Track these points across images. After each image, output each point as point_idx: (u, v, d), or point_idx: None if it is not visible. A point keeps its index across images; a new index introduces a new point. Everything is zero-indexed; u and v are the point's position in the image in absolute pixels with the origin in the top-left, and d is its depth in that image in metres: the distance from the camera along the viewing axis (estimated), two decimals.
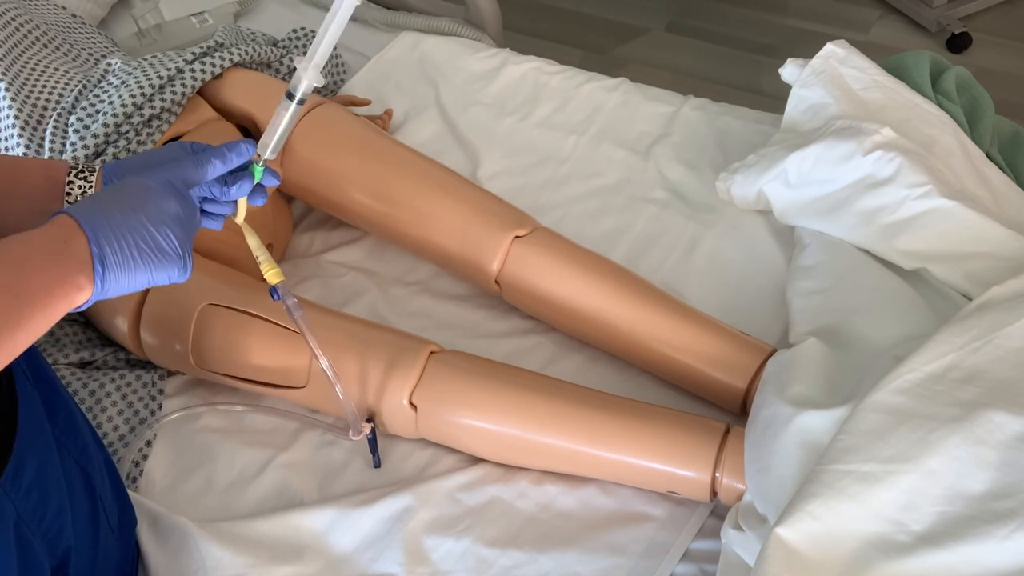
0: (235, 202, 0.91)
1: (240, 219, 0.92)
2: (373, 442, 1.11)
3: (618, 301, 1.18)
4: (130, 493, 1.04)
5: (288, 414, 1.17)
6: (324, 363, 1.02)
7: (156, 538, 1.03)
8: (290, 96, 0.88)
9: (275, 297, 0.99)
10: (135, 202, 0.77)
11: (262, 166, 0.88)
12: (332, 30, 0.86)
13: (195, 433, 1.17)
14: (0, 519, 0.78)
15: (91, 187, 0.91)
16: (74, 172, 0.92)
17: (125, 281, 0.76)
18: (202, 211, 0.91)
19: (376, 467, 1.13)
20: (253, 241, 0.96)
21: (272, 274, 0.97)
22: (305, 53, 1.54)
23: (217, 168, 0.85)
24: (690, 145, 1.49)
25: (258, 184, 0.90)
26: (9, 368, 0.82)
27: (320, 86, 0.89)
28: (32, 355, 0.89)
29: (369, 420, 1.10)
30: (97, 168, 0.93)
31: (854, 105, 1.29)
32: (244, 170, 0.89)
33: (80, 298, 0.74)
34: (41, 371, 0.89)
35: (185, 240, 0.79)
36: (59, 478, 0.86)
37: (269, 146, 0.89)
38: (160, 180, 0.81)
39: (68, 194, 0.91)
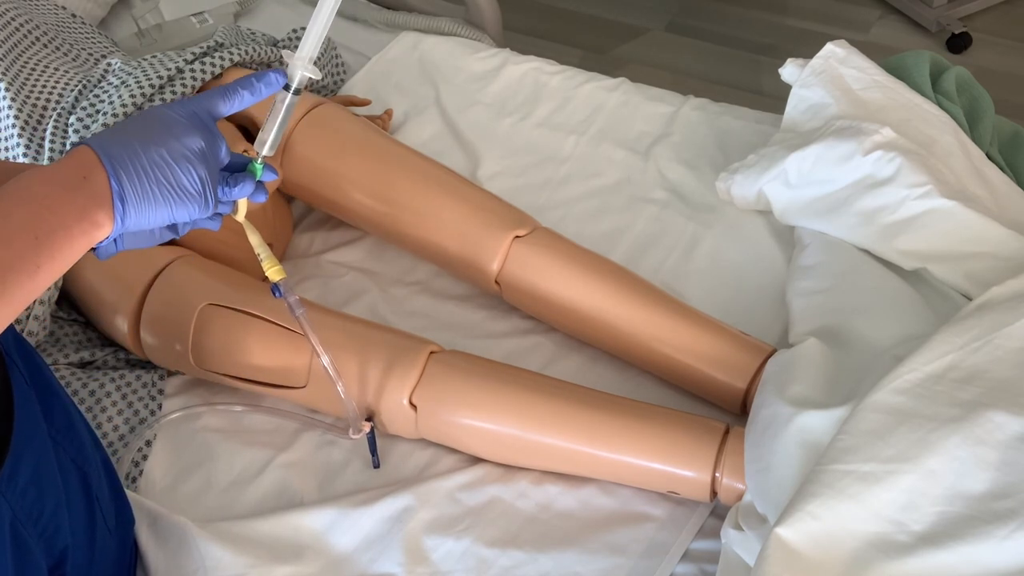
0: (235, 201, 0.90)
1: (241, 217, 0.92)
2: (372, 442, 1.11)
3: (618, 301, 1.18)
4: (130, 493, 1.04)
5: (288, 414, 1.17)
6: (325, 360, 1.02)
7: (156, 538, 1.03)
8: (285, 87, 0.87)
9: (277, 294, 0.99)
10: (158, 136, 0.76)
11: (261, 163, 0.88)
12: (321, 18, 0.85)
13: (195, 433, 1.17)
14: None
15: None
16: None
17: (146, 217, 0.75)
18: None
19: (375, 467, 1.13)
20: (255, 238, 0.96)
21: (274, 271, 0.97)
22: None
23: (245, 100, 0.83)
24: (690, 145, 1.49)
25: (258, 181, 0.90)
26: (4, 367, 0.82)
27: (316, 79, 0.88)
28: (28, 354, 0.88)
29: (368, 419, 1.10)
30: None
31: (854, 105, 1.29)
32: (243, 169, 0.89)
33: (100, 235, 0.73)
34: (38, 370, 0.89)
35: (208, 176, 0.78)
36: (55, 477, 0.86)
37: (267, 142, 0.89)
38: (185, 111, 0.79)
39: None
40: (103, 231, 0.73)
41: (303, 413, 1.17)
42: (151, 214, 0.75)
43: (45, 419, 0.86)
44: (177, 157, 0.76)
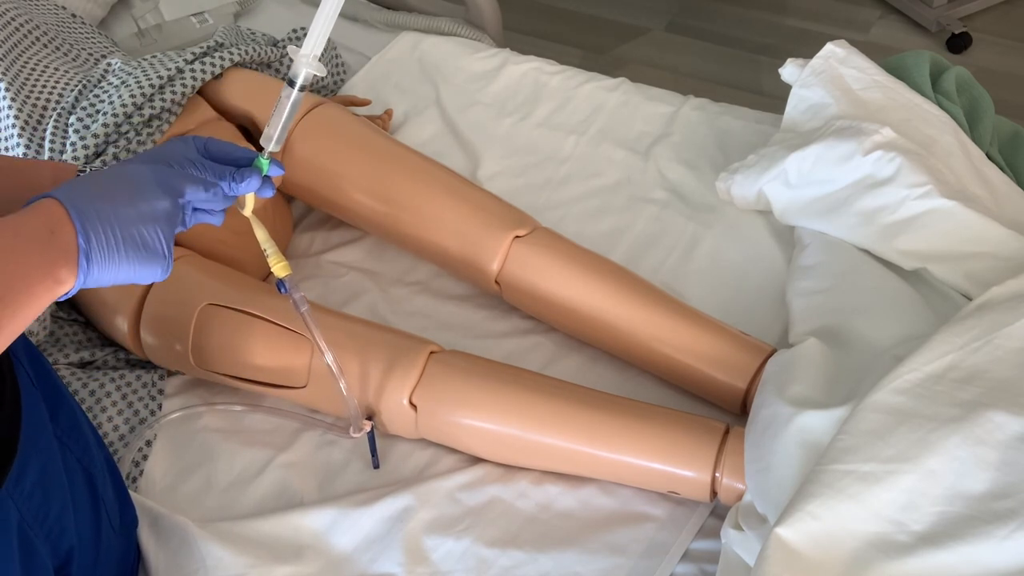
0: (241, 196, 0.90)
1: (248, 212, 0.92)
2: (372, 441, 1.11)
3: (618, 301, 1.18)
4: (131, 493, 1.04)
5: (288, 414, 1.17)
6: (329, 358, 1.02)
7: (156, 538, 1.03)
8: (291, 83, 0.87)
9: (282, 290, 0.98)
10: (128, 195, 0.75)
11: (268, 158, 0.88)
12: (325, 14, 0.85)
13: (195, 433, 1.17)
14: (3, 522, 0.78)
15: None
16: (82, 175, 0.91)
17: (108, 276, 0.74)
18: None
19: (375, 468, 1.13)
20: (261, 234, 0.95)
21: (280, 267, 0.96)
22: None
23: (218, 195, 0.83)
24: (690, 145, 1.49)
25: (265, 176, 0.90)
26: (13, 370, 0.82)
27: (321, 75, 0.88)
28: (35, 356, 0.88)
29: (369, 419, 1.10)
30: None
31: (854, 105, 1.29)
32: (249, 165, 0.89)
33: (61, 291, 0.72)
34: (44, 371, 0.89)
35: (170, 239, 0.77)
36: (62, 478, 0.86)
37: (273, 137, 0.89)
38: (157, 175, 0.78)
39: None
40: (64, 287, 0.72)
41: (303, 413, 1.17)
42: (114, 272, 0.74)
43: (51, 420, 0.86)
44: (146, 218, 0.75)
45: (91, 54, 1.49)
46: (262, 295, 1.16)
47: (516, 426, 1.07)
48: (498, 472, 1.10)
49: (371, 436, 1.11)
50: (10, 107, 1.31)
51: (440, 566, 1.03)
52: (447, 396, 1.09)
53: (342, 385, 1.04)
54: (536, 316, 1.26)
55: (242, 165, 0.87)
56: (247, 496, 1.11)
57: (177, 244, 1.21)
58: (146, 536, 1.03)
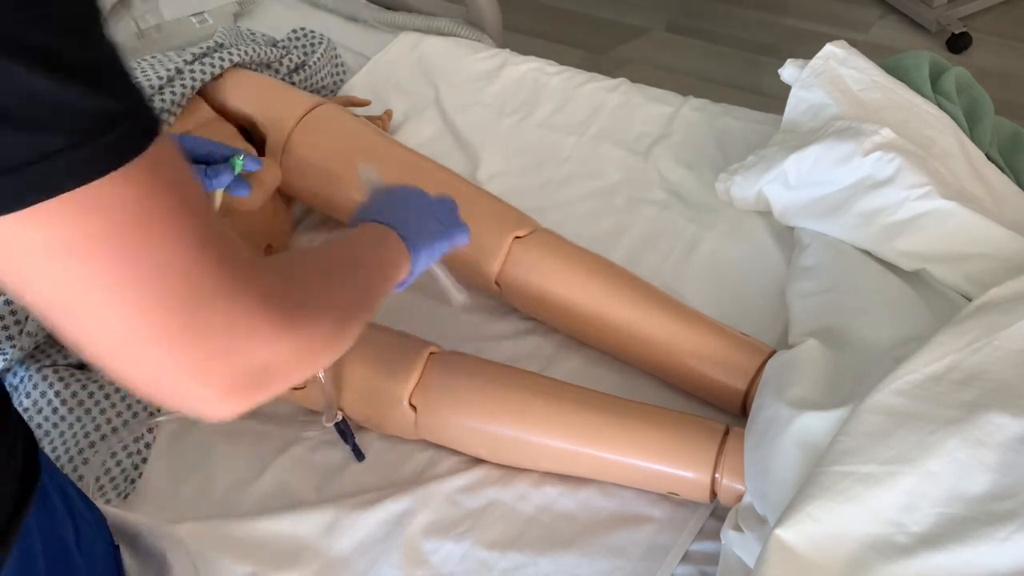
0: (212, 193, 0.91)
1: (215, 207, 0.93)
2: (348, 432, 1.11)
3: (618, 302, 1.18)
4: (119, 512, 1.03)
5: (287, 415, 1.17)
6: None
7: (147, 553, 1.03)
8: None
9: None
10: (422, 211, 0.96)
11: (242, 157, 0.88)
12: None
13: (193, 435, 1.17)
14: (28, 533, 0.79)
15: None
16: None
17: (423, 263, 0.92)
18: None
19: (359, 460, 1.12)
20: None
21: None
22: (305, 55, 1.54)
23: None
24: (690, 146, 1.49)
25: (238, 176, 0.90)
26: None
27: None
28: None
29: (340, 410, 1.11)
30: None
31: (854, 106, 1.29)
32: (224, 161, 0.90)
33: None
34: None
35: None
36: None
37: None
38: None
39: None
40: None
41: (303, 414, 1.17)
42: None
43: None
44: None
45: None
46: None
47: (516, 427, 1.07)
48: (498, 474, 1.10)
49: (345, 427, 1.11)
50: None
51: (439, 569, 1.02)
52: (447, 397, 1.09)
53: (320, 374, 1.05)
54: (536, 317, 1.26)
55: (218, 162, 0.88)
56: (245, 498, 1.11)
57: None
58: (134, 552, 1.03)
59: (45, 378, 1.15)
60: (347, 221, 0.93)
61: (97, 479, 1.10)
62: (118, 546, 1.02)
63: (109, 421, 1.16)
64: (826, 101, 1.31)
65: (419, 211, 0.95)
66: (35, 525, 0.81)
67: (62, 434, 1.13)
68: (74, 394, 1.16)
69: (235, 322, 0.57)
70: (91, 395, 1.17)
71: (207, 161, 0.94)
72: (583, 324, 1.20)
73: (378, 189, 0.98)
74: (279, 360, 0.60)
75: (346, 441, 1.13)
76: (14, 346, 1.14)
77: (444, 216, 0.99)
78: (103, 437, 1.15)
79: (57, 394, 1.13)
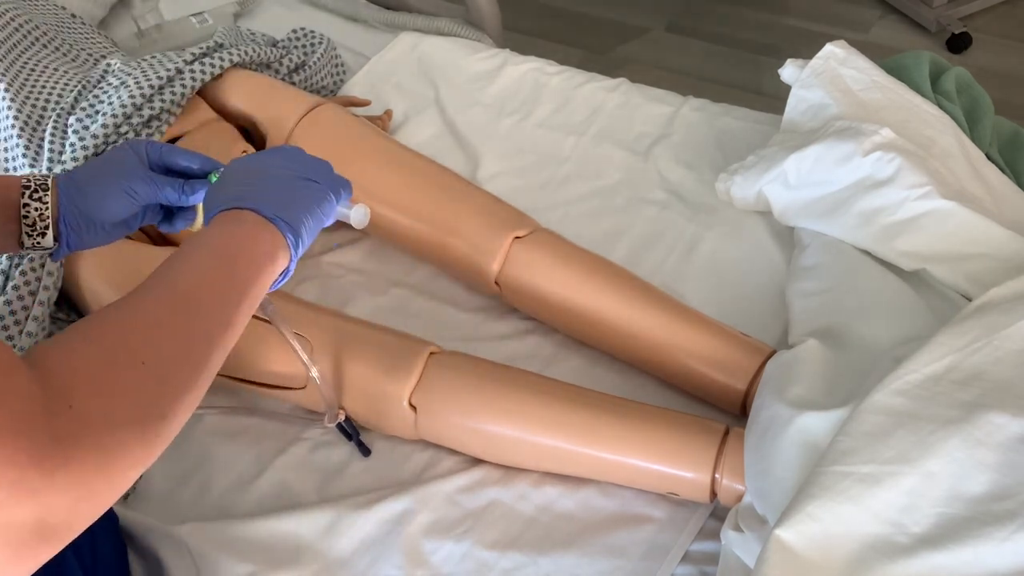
0: (195, 208, 0.91)
1: (197, 227, 0.92)
2: (352, 430, 1.11)
3: (618, 302, 1.18)
4: (123, 511, 1.03)
5: (287, 415, 1.17)
6: (300, 353, 1.03)
7: (151, 548, 1.03)
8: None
9: None
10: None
11: (220, 172, 0.89)
12: None
13: (194, 435, 1.17)
14: None
15: (47, 208, 0.86)
16: (28, 192, 0.87)
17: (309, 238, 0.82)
18: (164, 216, 0.93)
19: (365, 456, 1.12)
20: None
21: None
22: (305, 55, 1.54)
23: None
24: (690, 146, 1.49)
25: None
26: None
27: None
28: None
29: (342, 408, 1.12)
30: (51, 182, 0.89)
31: (854, 106, 1.29)
32: (204, 176, 0.90)
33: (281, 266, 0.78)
34: None
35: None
36: None
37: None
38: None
39: (25, 216, 0.86)
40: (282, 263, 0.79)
41: (302, 414, 1.17)
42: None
43: None
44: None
45: (91, 54, 1.49)
46: None
47: (515, 427, 1.07)
48: (498, 474, 1.10)
49: (349, 426, 1.11)
50: (9, 107, 1.31)
51: (440, 569, 1.02)
52: (447, 397, 1.09)
53: (314, 374, 1.05)
54: (536, 317, 1.26)
55: (196, 177, 0.88)
56: (245, 498, 1.11)
57: (175, 245, 1.21)
58: (135, 552, 1.03)
59: None
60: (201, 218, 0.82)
61: None
62: (126, 545, 1.03)
63: None
64: (826, 101, 1.31)
65: (285, 177, 0.83)
66: None
67: None
68: None
69: None
70: None
71: (184, 175, 0.91)
72: (583, 324, 1.20)
73: (233, 164, 0.87)
74: (57, 510, 0.50)
75: (350, 439, 1.13)
76: (14, 346, 1.14)
77: (321, 172, 0.86)
78: None
79: None
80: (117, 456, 0.54)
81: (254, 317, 1.13)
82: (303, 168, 0.85)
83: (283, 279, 0.79)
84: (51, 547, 0.51)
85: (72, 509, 0.51)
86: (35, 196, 0.87)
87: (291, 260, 0.79)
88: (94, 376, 0.55)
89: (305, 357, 1.04)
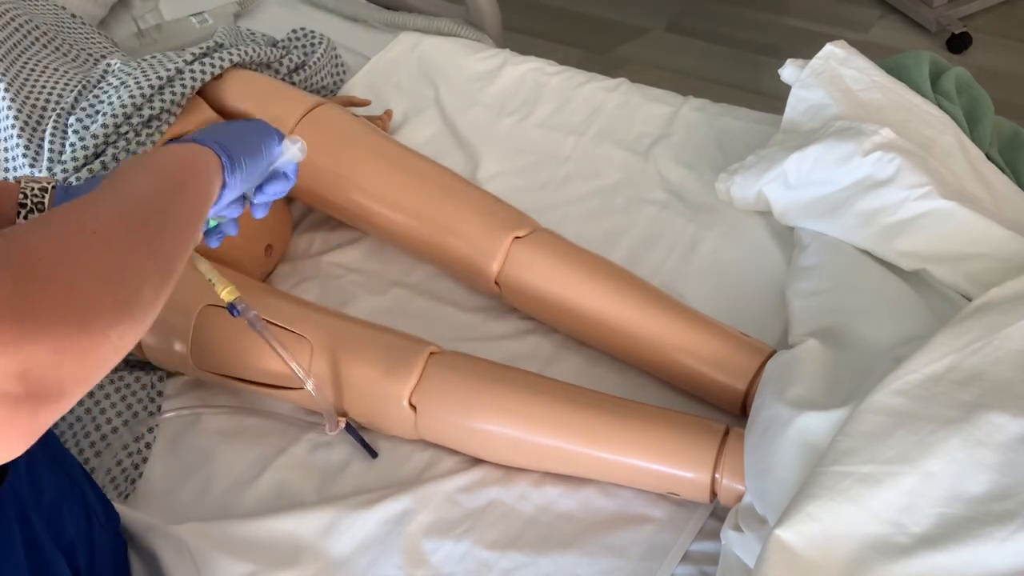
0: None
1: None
2: (356, 435, 1.11)
3: (618, 302, 1.18)
4: (122, 507, 1.04)
5: (287, 415, 1.17)
6: (294, 365, 1.05)
7: (151, 547, 1.03)
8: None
9: (235, 313, 1.02)
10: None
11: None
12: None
13: (194, 435, 1.17)
14: (3, 511, 0.78)
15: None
16: (23, 212, 0.89)
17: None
18: None
19: (373, 457, 1.12)
20: (204, 266, 1.02)
21: (227, 292, 1.02)
22: (305, 55, 1.55)
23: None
24: (690, 146, 1.49)
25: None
26: None
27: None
28: None
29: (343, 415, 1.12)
30: (48, 192, 0.91)
31: (854, 106, 1.29)
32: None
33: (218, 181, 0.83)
34: None
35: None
36: (47, 477, 0.86)
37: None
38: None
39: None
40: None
41: (302, 414, 1.17)
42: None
43: None
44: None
45: (91, 54, 1.49)
46: (262, 296, 1.16)
47: (516, 427, 1.07)
48: (498, 474, 1.10)
49: (353, 431, 1.11)
50: (9, 107, 1.31)
51: (440, 569, 1.02)
52: (447, 397, 1.09)
53: (309, 386, 1.06)
54: (536, 317, 1.26)
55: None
56: (246, 498, 1.11)
57: None
58: (135, 551, 1.03)
59: None
60: None
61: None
62: (126, 542, 1.03)
63: (109, 421, 1.16)
64: (826, 101, 1.31)
65: (242, 128, 0.91)
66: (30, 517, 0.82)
67: (62, 434, 1.13)
68: None
69: None
70: (91, 395, 1.17)
71: None
72: (583, 324, 1.20)
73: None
74: (40, 362, 0.52)
75: (364, 445, 1.12)
76: None
77: (276, 139, 0.94)
78: (103, 437, 1.15)
79: None
80: (90, 311, 0.56)
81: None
82: (263, 129, 0.93)
83: (223, 197, 0.85)
84: (46, 408, 0.53)
85: (56, 364, 0.53)
86: (35, 198, 0.88)
87: (225, 175, 0.83)
88: (55, 250, 0.57)
89: (300, 372, 1.04)
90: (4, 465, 0.78)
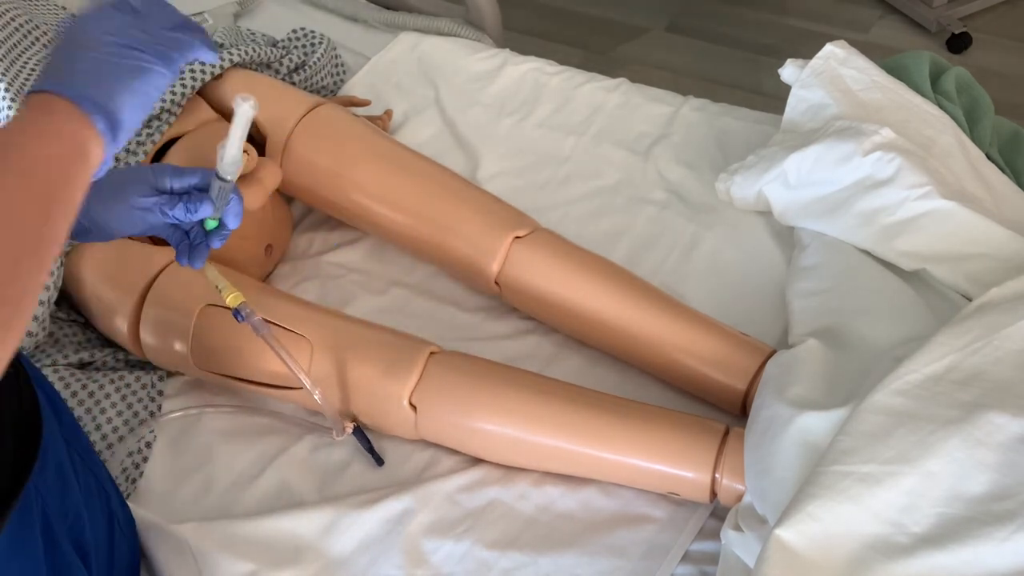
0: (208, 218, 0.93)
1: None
2: (364, 440, 1.11)
3: (618, 302, 1.18)
4: (129, 505, 1.04)
5: (287, 415, 1.17)
6: (298, 372, 1.05)
7: (153, 549, 1.03)
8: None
9: (239, 318, 1.02)
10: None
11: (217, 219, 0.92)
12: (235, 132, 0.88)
13: (195, 434, 1.17)
14: (27, 512, 0.78)
15: None
16: None
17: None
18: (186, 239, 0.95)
19: (379, 465, 1.12)
20: (211, 272, 1.02)
21: (232, 298, 1.02)
22: (305, 55, 1.55)
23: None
24: (690, 145, 1.49)
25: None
26: (24, 370, 0.82)
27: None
28: (27, 361, 0.89)
29: (353, 420, 1.12)
30: None
31: (854, 106, 1.29)
32: (205, 190, 0.92)
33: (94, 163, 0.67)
34: (38, 375, 0.89)
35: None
36: (73, 476, 0.86)
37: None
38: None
39: None
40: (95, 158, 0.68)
41: (302, 414, 1.17)
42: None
43: (56, 420, 0.87)
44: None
45: None
46: (262, 296, 1.16)
47: (516, 427, 1.07)
48: (498, 474, 1.10)
49: (361, 435, 1.11)
50: (10, 107, 1.31)
51: (440, 568, 1.03)
52: (447, 397, 1.09)
53: (316, 396, 1.06)
54: (536, 317, 1.26)
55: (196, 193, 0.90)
56: (246, 497, 1.11)
57: None
58: (141, 550, 1.03)
59: (45, 378, 1.15)
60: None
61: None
62: (140, 548, 1.03)
63: (109, 420, 1.16)
64: (826, 101, 1.31)
65: (96, 39, 0.69)
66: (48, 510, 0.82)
67: None
68: (74, 394, 1.16)
69: None
70: (91, 395, 1.17)
71: (184, 192, 0.91)
72: (583, 324, 1.20)
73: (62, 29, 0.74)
74: None
75: (370, 451, 1.12)
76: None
77: (155, 23, 0.73)
78: (103, 437, 1.15)
79: (57, 394, 1.14)
80: None
81: None
82: (127, 20, 0.72)
83: (102, 170, 0.69)
84: None
85: None
86: None
87: (105, 149, 0.68)
88: None
89: (307, 381, 1.04)
90: (30, 463, 0.78)
